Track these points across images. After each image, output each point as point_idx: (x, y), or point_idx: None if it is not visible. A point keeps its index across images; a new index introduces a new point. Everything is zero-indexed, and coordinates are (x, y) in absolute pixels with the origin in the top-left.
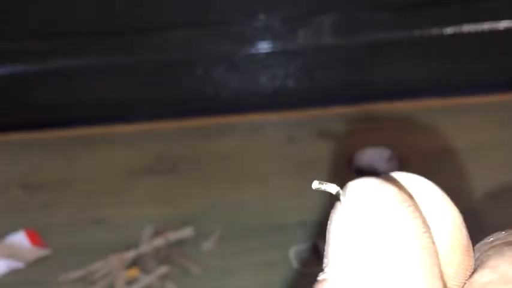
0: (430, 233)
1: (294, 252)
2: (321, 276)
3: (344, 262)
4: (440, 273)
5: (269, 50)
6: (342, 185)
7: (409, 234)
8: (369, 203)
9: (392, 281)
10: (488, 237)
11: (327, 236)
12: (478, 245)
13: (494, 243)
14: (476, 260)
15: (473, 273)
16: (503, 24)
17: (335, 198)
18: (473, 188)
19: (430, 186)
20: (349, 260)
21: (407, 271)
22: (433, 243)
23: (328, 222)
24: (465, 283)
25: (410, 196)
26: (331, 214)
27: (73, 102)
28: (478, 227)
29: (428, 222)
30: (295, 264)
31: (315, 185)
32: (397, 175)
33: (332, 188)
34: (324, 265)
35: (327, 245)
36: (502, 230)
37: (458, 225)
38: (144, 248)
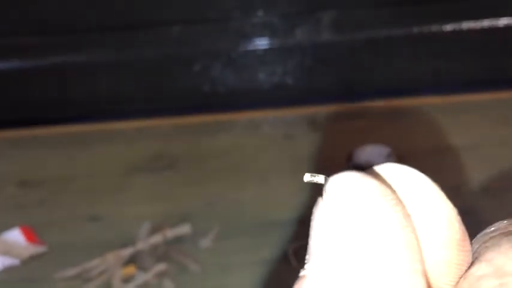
0: (413, 227)
1: (292, 250)
2: (301, 273)
3: (323, 258)
4: (423, 269)
5: (267, 47)
6: None
7: (389, 228)
8: (349, 197)
9: (371, 276)
10: (490, 226)
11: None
12: (478, 236)
13: (494, 234)
14: (474, 252)
15: (470, 266)
16: (503, 21)
17: (321, 192)
18: (472, 185)
19: (422, 179)
20: (328, 256)
21: (387, 266)
22: (416, 238)
23: (311, 217)
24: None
25: (393, 190)
26: (313, 209)
27: (70, 98)
28: (477, 224)
29: (418, 216)
30: (293, 261)
31: (307, 177)
32: (389, 167)
33: (323, 179)
34: (305, 261)
35: (309, 240)
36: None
37: (450, 219)
38: (141, 245)
